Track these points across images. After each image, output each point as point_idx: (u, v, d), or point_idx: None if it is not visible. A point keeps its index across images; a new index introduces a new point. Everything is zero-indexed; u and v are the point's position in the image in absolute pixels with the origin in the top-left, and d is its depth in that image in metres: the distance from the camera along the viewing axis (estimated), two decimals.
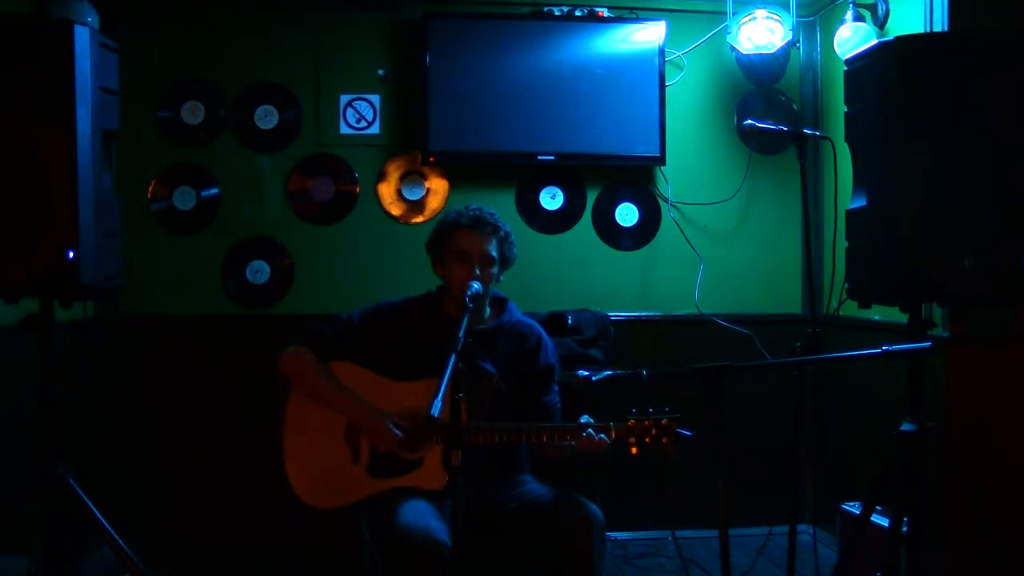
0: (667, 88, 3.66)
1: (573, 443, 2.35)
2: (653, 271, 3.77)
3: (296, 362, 2.53)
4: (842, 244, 2.48)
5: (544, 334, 2.69)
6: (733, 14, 3.60)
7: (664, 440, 2.30)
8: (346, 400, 2.47)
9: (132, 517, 3.37)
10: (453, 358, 2.05)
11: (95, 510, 2.26)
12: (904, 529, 2.26)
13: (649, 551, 3.61)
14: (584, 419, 2.38)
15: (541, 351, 2.65)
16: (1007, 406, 2.68)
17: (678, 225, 3.74)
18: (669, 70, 3.68)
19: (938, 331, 2.84)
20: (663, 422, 2.30)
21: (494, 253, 2.53)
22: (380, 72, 3.62)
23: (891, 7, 3.27)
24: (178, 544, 3.47)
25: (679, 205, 3.76)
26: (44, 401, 2.25)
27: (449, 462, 2.01)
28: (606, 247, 3.76)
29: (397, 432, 2.40)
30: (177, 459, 3.52)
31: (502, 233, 2.57)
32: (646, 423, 2.30)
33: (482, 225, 2.53)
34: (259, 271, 3.60)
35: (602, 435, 2.33)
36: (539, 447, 2.53)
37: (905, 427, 2.28)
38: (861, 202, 2.31)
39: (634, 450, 2.31)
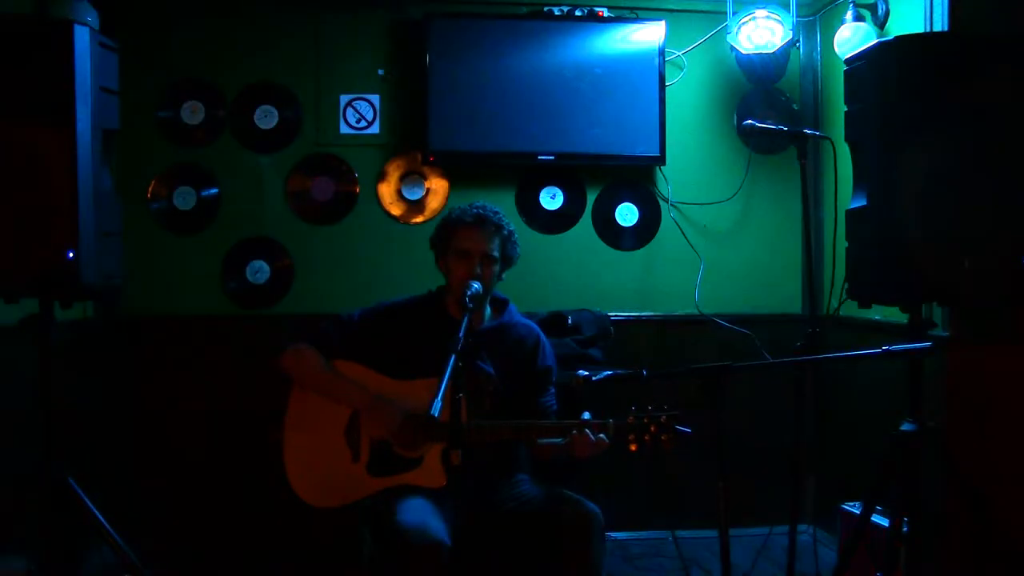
0: (667, 88, 3.66)
1: (570, 440, 2.35)
2: (653, 271, 3.77)
3: (298, 357, 2.53)
4: (842, 244, 2.49)
5: (543, 336, 2.69)
6: (733, 14, 3.60)
7: (663, 438, 2.30)
8: (349, 387, 2.47)
9: (132, 517, 3.37)
10: (453, 358, 2.05)
11: (95, 510, 2.27)
12: (904, 529, 2.26)
13: (649, 551, 3.61)
14: (584, 417, 2.38)
15: (539, 353, 2.65)
16: (1007, 406, 2.68)
17: (678, 225, 3.74)
18: (669, 70, 3.68)
19: (938, 331, 2.84)
20: (662, 419, 2.30)
21: (496, 252, 2.54)
22: (380, 72, 3.62)
23: (891, 7, 3.27)
24: (178, 544, 3.47)
25: (679, 205, 3.75)
26: (44, 401, 2.26)
27: (449, 461, 2.01)
28: (606, 247, 3.76)
29: (396, 417, 2.40)
30: (177, 459, 3.52)
31: (505, 232, 2.57)
32: (645, 420, 2.30)
33: (485, 223, 2.54)
34: (259, 271, 3.60)
35: (602, 435, 2.33)
36: (538, 447, 2.53)
37: (905, 427, 2.28)
38: (861, 202, 2.31)
39: (633, 447, 2.31)
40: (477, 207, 2.57)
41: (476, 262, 2.50)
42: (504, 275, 2.61)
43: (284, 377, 2.56)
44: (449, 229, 2.58)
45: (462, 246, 2.52)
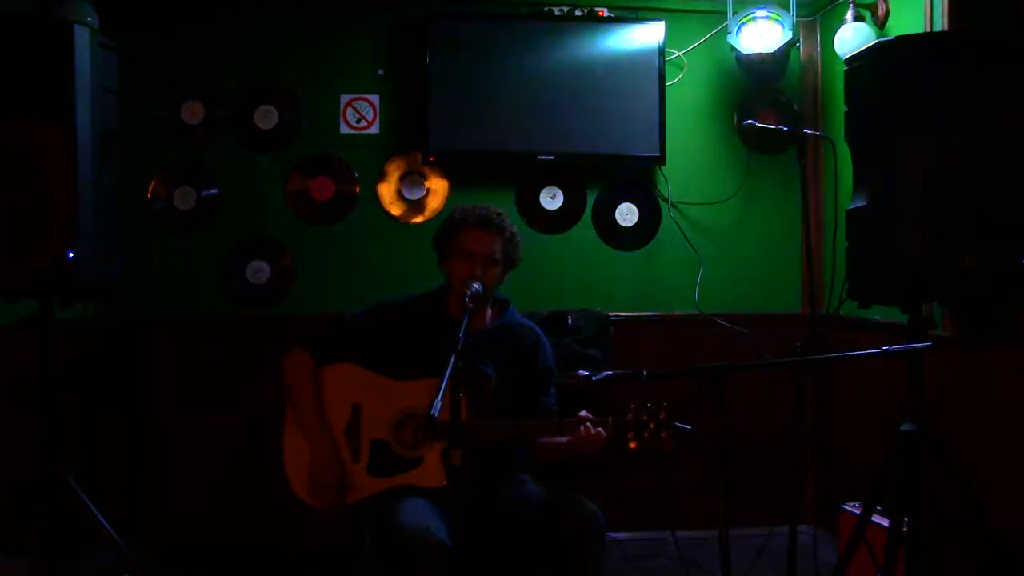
0: (667, 88, 3.66)
1: (570, 438, 2.35)
2: (653, 271, 3.76)
3: (290, 371, 2.53)
4: (842, 244, 2.49)
5: (543, 337, 2.69)
6: (733, 14, 3.60)
7: (663, 434, 2.30)
8: (314, 434, 2.47)
9: (132, 517, 3.37)
10: (453, 358, 2.05)
11: (95, 510, 2.27)
12: (904, 529, 2.26)
13: (649, 551, 3.61)
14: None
15: (539, 353, 2.65)
16: (1007, 406, 2.68)
17: (678, 225, 3.74)
18: (669, 70, 3.68)
19: (938, 331, 2.84)
20: (661, 416, 2.30)
21: (497, 254, 2.53)
22: (379, 72, 3.62)
23: (891, 7, 3.27)
24: (177, 544, 3.47)
25: (679, 205, 3.75)
26: (44, 401, 2.26)
27: (449, 461, 2.01)
28: (606, 247, 3.76)
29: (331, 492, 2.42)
30: (177, 459, 3.52)
31: (507, 234, 2.57)
32: (644, 417, 2.30)
33: (487, 225, 2.54)
34: (259, 271, 3.60)
35: (599, 428, 2.33)
36: (537, 447, 2.53)
37: (905, 427, 2.28)
38: (861, 202, 2.31)
39: (633, 444, 2.31)
40: (481, 208, 2.57)
41: (477, 263, 2.50)
42: (507, 277, 2.61)
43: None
44: (452, 230, 2.58)
45: (464, 247, 2.52)
